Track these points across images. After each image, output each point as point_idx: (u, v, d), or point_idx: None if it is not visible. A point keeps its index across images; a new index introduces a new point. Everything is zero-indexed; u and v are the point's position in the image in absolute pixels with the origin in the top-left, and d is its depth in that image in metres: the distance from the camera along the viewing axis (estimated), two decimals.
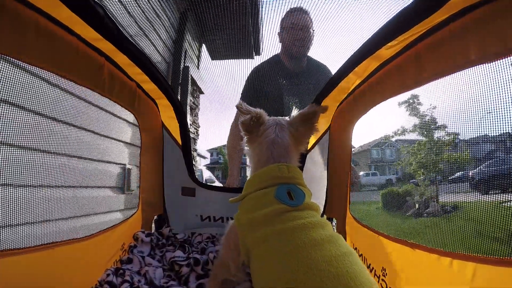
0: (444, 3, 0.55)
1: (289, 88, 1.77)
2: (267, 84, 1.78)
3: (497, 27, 0.53)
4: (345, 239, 1.14)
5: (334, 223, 1.21)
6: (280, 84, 1.78)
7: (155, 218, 1.34)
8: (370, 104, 1.04)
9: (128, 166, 2.27)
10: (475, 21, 0.57)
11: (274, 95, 1.72)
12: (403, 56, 0.79)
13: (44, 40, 0.67)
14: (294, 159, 0.83)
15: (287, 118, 0.92)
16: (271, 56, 1.80)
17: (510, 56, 0.52)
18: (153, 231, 1.31)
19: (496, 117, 0.80)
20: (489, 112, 0.84)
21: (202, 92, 4.27)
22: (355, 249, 1.05)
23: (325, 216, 1.23)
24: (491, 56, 0.55)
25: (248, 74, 1.79)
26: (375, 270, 0.89)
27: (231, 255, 0.74)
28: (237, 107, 0.89)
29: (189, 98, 3.65)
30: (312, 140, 1.28)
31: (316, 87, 1.66)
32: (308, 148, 1.29)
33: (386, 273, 0.84)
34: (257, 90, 1.77)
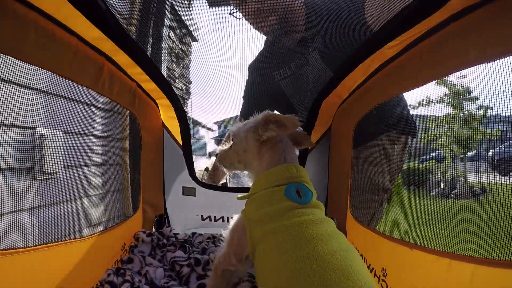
0: (444, 3, 0.55)
1: (290, 80, 1.36)
2: (266, 81, 1.43)
3: (497, 27, 0.53)
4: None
5: (335, 223, 1.20)
6: (275, 78, 1.38)
7: (155, 218, 1.34)
8: (371, 104, 1.04)
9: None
10: (475, 21, 0.57)
11: (277, 94, 1.41)
12: (405, 55, 0.79)
13: (44, 40, 0.67)
14: (297, 161, 0.86)
15: None
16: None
17: (510, 56, 0.52)
18: (153, 231, 1.32)
19: None
20: None
21: (195, 40, 3.31)
22: (355, 249, 1.05)
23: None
24: (491, 56, 0.55)
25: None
26: (375, 271, 0.89)
27: (234, 249, 0.77)
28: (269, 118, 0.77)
29: (175, 43, 2.78)
30: (314, 139, 1.28)
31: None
32: (309, 148, 1.28)
33: (387, 274, 0.83)
34: (257, 90, 1.50)
